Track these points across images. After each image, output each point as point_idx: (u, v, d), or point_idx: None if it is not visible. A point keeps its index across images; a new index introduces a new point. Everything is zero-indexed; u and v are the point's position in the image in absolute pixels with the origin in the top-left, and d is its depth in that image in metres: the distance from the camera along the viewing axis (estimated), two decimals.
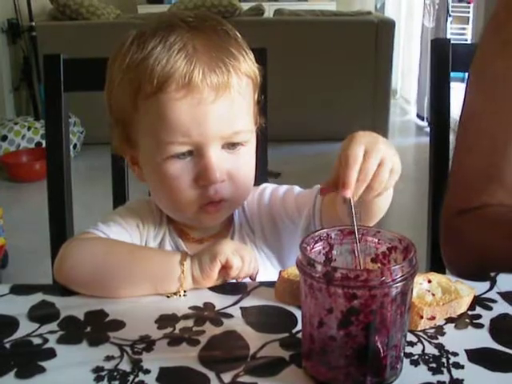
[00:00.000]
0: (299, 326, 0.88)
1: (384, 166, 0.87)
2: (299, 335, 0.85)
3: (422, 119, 6.15)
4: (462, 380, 0.77)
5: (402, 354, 0.79)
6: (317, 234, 0.83)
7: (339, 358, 0.76)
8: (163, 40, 1.01)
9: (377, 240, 0.84)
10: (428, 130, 5.84)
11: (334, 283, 0.72)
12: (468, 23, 6.99)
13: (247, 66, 1.06)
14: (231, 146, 1.06)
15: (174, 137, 1.02)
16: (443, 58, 1.52)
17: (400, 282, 0.73)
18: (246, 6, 5.97)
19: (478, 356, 0.83)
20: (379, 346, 0.75)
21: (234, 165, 1.06)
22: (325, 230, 0.84)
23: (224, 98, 1.02)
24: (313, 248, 0.82)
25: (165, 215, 1.16)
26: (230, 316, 0.93)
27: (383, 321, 0.74)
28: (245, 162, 1.09)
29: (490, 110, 1.22)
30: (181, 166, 1.04)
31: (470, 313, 0.94)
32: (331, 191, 0.89)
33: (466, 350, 0.84)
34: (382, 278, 0.72)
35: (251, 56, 1.08)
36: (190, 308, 0.95)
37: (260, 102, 1.13)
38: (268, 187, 1.21)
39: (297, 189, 1.19)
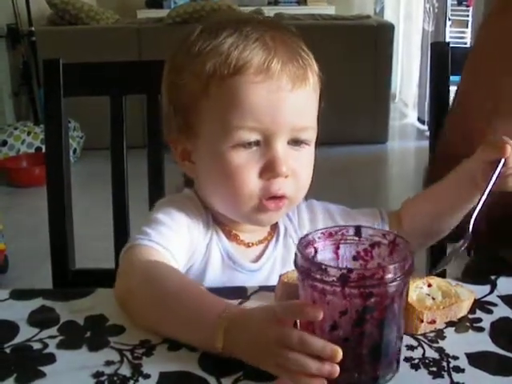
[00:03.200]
0: None
1: None
2: None
3: (423, 123, 6.14)
4: None
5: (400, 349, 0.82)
6: (304, 240, 0.83)
7: (354, 359, 0.76)
8: (238, 30, 1.02)
9: (358, 238, 0.86)
10: (428, 134, 5.84)
11: (350, 285, 0.73)
12: (467, 27, 6.99)
13: (316, 66, 1.07)
14: (296, 142, 1.04)
15: (245, 121, 0.99)
16: (442, 62, 1.52)
17: (407, 275, 0.75)
18: (245, 11, 5.98)
19: (479, 360, 0.83)
20: (391, 341, 0.77)
21: (298, 163, 1.04)
22: (311, 235, 0.85)
23: (301, 90, 1.02)
24: (314, 246, 0.84)
25: (211, 215, 1.11)
26: None
27: (394, 316, 0.76)
28: (307, 161, 1.08)
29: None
30: (247, 156, 1.01)
31: (470, 316, 0.94)
32: None
33: (467, 354, 0.84)
34: (395, 273, 0.74)
35: (316, 63, 1.09)
36: None
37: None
38: (314, 201, 1.21)
39: (344, 208, 1.22)
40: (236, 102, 0.99)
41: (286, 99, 1.00)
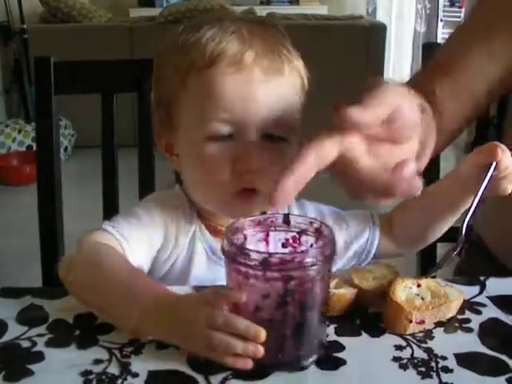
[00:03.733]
0: None
1: None
2: None
3: None
4: None
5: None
6: (232, 226, 0.86)
7: (277, 339, 0.79)
8: (218, 24, 1.03)
9: (286, 225, 0.89)
10: None
11: (272, 268, 0.76)
12: None
13: (299, 64, 1.08)
14: (272, 137, 1.03)
15: (218, 112, 1.00)
16: None
17: (329, 259, 0.79)
18: (237, 10, 5.96)
19: (467, 360, 0.83)
20: (312, 322, 0.81)
21: (273, 157, 1.02)
22: (239, 222, 0.88)
23: (273, 83, 1.02)
24: (243, 233, 0.87)
25: (195, 210, 1.12)
26: None
27: (315, 298, 0.79)
28: (284, 157, 1.03)
29: None
30: (220, 147, 1.02)
31: (459, 317, 0.94)
32: None
33: (455, 354, 0.84)
34: (315, 257, 0.77)
35: (302, 62, 1.09)
36: None
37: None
38: (306, 201, 1.20)
39: (335, 209, 1.22)
40: (210, 93, 1.00)
41: (257, 91, 1.00)
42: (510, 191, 0.99)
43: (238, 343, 0.78)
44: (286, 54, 1.05)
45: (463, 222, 0.97)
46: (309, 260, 0.77)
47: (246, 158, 1.00)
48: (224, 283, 0.84)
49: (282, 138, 1.04)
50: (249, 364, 0.78)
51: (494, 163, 0.94)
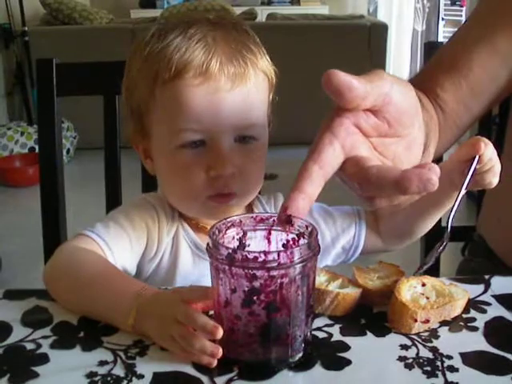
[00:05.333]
0: None
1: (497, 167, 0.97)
2: None
3: None
4: (457, 383, 0.77)
5: (309, 334, 0.85)
6: (229, 220, 0.87)
7: (244, 336, 0.80)
8: (184, 32, 1.03)
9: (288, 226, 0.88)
10: None
11: (236, 264, 0.77)
12: None
13: (264, 63, 1.08)
14: (243, 139, 1.06)
15: (188, 123, 1.02)
16: None
17: (298, 264, 0.77)
18: (238, 11, 5.97)
19: (473, 359, 0.83)
20: (281, 325, 0.80)
21: (246, 159, 1.06)
22: (238, 217, 0.88)
23: (240, 89, 1.03)
24: (225, 233, 0.86)
25: (177, 210, 1.14)
26: None
27: (284, 301, 0.79)
28: (256, 157, 1.09)
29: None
30: (192, 155, 1.04)
31: (464, 316, 0.94)
32: None
33: (461, 353, 0.84)
34: (278, 260, 0.76)
35: (267, 57, 1.10)
36: None
37: (273, 103, 1.14)
38: None
39: (322, 205, 1.22)
40: (178, 106, 1.02)
41: (226, 99, 1.02)
42: (494, 184, 0.99)
43: (197, 341, 0.80)
44: (250, 57, 1.05)
45: (448, 217, 0.97)
46: (272, 262, 0.77)
47: (219, 165, 1.03)
48: (209, 278, 0.85)
49: (253, 137, 1.07)
50: (213, 363, 0.80)
51: (477, 156, 0.94)
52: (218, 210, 1.08)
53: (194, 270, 1.13)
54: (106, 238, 1.06)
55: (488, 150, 0.94)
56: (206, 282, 1.00)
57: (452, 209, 0.97)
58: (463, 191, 0.96)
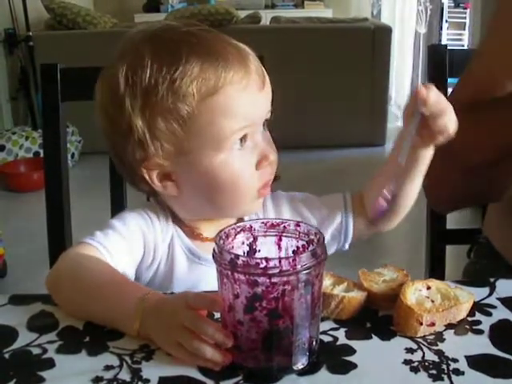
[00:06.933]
0: None
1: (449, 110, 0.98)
2: None
3: None
4: None
5: (314, 343, 0.84)
6: (239, 225, 0.88)
7: (246, 342, 0.81)
8: (201, 57, 1.02)
9: (297, 234, 0.89)
10: None
11: (238, 270, 0.77)
12: (464, 29, 7.01)
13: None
14: (263, 124, 1.10)
15: (237, 122, 1.03)
16: (440, 64, 1.52)
17: (300, 271, 0.77)
18: (242, 14, 5.97)
19: (479, 362, 0.83)
20: (284, 333, 0.80)
21: (269, 141, 1.10)
22: (248, 222, 0.89)
23: (266, 80, 1.08)
24: (234, 238, 0.87)
25: (170, 217, 1.15)
26: None
27: (286, 308, 0.79)
28: (270, 137, 1.12)
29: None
30: (242, 155, 1.06)
31: (469, 319, 0.94)
32: None
33: (466, 357, 0.84)
34: (280, 266, 0.77)
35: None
36: None
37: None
38: (280, 192, 1.24)
39: (308, 195, 1.23)
40: (226, 111, 1.03)
41: (261, 92, 1.06)
42: (452, 130, 0.99)
43: (207, 349, 0.81)
44: (254, 55, 1.09)
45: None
46: (273, 269, 0.77)
47: (267, 155, 1.07)
48: (206, 283, 0.86)
49: (267, 119, 1.10)
50: (217, 367, 0.81)
51: (421, 101, 0.95)
52: (258, 204, 1.13)
53: (189, 276, 1.14)
54: (106, 245, 1.06)
55: (432, 93, 0.96)
56: (203, 287, 1.01)
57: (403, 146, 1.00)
58: (413, 131, 0.98)
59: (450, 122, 0.99)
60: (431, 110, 0.97)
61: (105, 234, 1.08)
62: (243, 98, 1.03)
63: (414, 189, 1.13)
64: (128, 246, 1.09)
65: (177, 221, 1.16)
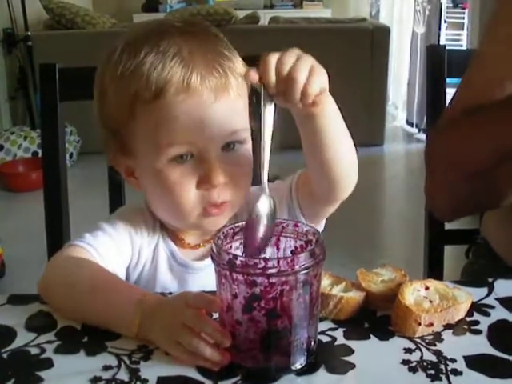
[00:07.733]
0: None
1: (301, 60, 0.93)
2: None
3: (412, 125, 6.15)
4: None
5: (313, 343, 0.84)
6: (237, 225, 0.88)
7: (245, 342, 0.81)
8: (156, 46, 1.01)
9: (295, 234, 0.89)
10: (418, 136, 5.85)
11: (236, 270, 0.77)
12: (463, 29, 7.00)
13: (239, 66, 1.06)
14: (229, 146, 1.05)
15: (174, 137, 1.00)
16: (439, 64, 1.52)
17: (299, 271, 0.78)
18: (241, 14, 5.97)
19: (477, 362, 0.83)
20: (282, 333, 0.80)
21: (235, 166, 1.05)
22: (245, 223, 0.89)
23: (223, 100, 1.01)
24: (233, 239, 0.87)
25: (158, 222, 1.15)
26: None
27: (285, 308, 0.79)
28: (244, 162, 1.07)
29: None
30: (182, 171, 1.02)
31: (467, 319, 0.94)
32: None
33: (465, 357, 0.84)
34: (278, 266, 0.77)
35: (239, 57, 1.09)
36: None
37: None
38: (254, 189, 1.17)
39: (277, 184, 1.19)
40: (162, 124, 1.00)
41: (210, 111, 1.01)
42: (307, 100, 0.93)
43: (206, 348, 0.81)
44: (228, 64, 1.04)
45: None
46: (272, 269, 0.77)
47: (211, 177, 1.02)
48: (188, 289, 0.86)
49: (239, 141, 1.06)
50: (216, 367, 0.82)
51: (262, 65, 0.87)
52: (211, 222, 1.07)
53: (172, 281, 1.14)
54: (95, 246, 1.07)
55: (271, 57, 0.90)
56: None
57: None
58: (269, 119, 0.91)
59: (304, 98, 0.92)
60: (288, 89, 0.90)
61: (94, 236, 1.09)
62: (181, 113, 1.00)
63: (348, 145, 1.11)
64: (117, 247, 1.10)
65: (164, 226, 1.15)
